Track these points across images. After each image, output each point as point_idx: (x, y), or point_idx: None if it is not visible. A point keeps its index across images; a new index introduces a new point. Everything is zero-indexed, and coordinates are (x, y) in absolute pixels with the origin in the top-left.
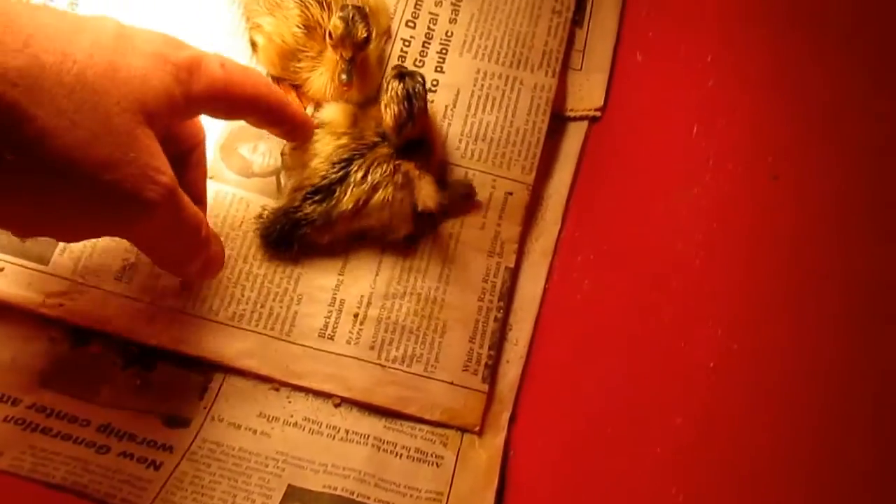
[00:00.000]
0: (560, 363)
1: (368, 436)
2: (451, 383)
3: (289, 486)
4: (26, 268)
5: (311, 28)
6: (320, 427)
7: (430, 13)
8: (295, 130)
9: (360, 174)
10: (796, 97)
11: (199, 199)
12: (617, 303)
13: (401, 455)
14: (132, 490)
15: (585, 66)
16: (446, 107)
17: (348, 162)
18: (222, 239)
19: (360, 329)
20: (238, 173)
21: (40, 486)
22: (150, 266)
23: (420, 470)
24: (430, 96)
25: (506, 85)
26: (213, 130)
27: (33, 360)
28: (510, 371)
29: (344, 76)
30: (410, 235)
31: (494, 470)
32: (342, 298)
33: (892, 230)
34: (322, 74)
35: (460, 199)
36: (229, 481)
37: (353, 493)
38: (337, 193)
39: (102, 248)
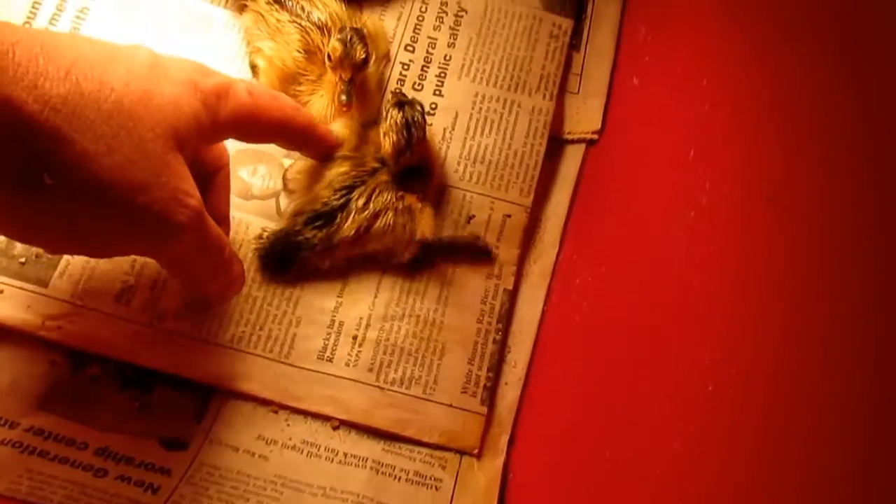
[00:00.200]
0: (559, 385)
1: (367, 459)
2: (450, 405)
3: None
4: (25, 290)
5: (311, 52)
6: (319, 450)
7: (429, 37)
8: (322, 150)
9: (361, 201)
10: (791, 121)
11: (223, 219)
12: (615, 325)
13: (399, 478)
14: None
15: (583, 89)
16: (445, 129)
17: (350, 189)
18: None
19: (359, 351)
20: (237, 195)
21: None
22: (149, 289)
23: (419, 493)
24: (428, 119)
25: (504, 108)
26: None
27: (32, 383)
28: (509, 393)
29: (343, 97)
30: (415, 260)
31: (493, 493)
32: (341, 320)
33: (887, 252)
34: (322, 97)
35: (476, 253)
36: None
37: None
38: (338, 220)
39: (102, 271)
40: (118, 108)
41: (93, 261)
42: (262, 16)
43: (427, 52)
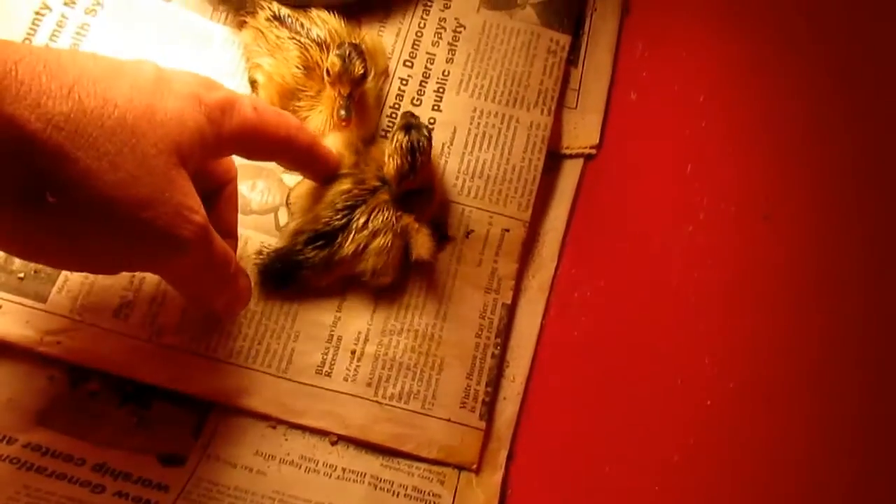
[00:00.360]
0: (557, 400)
1: (365, 474)
2: (449, 420)
3: None
4: (24, 305)
5: (310, 69)
6: (317, 465)
7: (428, 53)
8: (322, 171)
9: (361, 220)
10: (788, 137)
11: (230, 233)
12: (613, 339)
13: (398, 493)
14: None
15: (581, 104)
16: (443, 144)
17: (352, 209)
18: None
19: (358, 366)
20: None
21: None
22: (148, 304)
23: None
24: None
25: (502, 123)
26: None
27: (31, 398)
28: (507, 408)
29: (343, 112)
30: (393, 283)
31: None
32: (339, 335)
33: (882, 269)
34: (321, 113)
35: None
36: None
37: None
38: (339, 239)
39: (101, 286)
40: (121, 125)
41: (91, 276)
42: (262, 32)
43: (425, 67)
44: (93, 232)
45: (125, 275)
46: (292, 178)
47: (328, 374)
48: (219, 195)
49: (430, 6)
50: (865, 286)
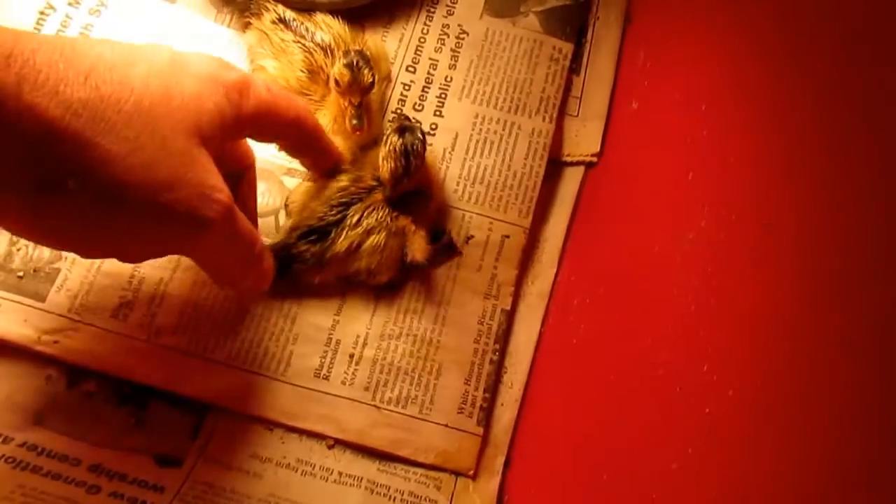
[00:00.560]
0: (555, 407)
1: (362, 478)
2: (446, 426)
3: None
4: (23, 304)
5: (314, 73)
6: (313, 469)
7: (430, 59)
8: (324, 158)
9: (355, 217)
10: (790, 146)
11: (251, 217)
12: (612, 347)
13: (394, 498)
14: None
15: (582, 112)
16: (445, 150)
17: (346, 206)
18: None
19: (356, 369)
20: None
21: None
22: (147, 304)
23: None
24: (428, 139)
25: (503, 130)
26: None
27: (28, 398)
28: (505, 414)
29: (355, 121)
30: (389, 283)
31: None
32: (338, 339)
33: (886, 279)
34: (325, 116)
35: (444, 252)
36: None
37: None
38: (332, 235)
39: (100, 286)
40: (139, 109)
41: (91, 275)
42: (267, 35)
43: (428, 73)
44: (117, 216)
45: (125, 274)
46: (293, 181)
47: (326, 378)
48: (239, 180)
49: (434, 12)
50: (867, 295)
